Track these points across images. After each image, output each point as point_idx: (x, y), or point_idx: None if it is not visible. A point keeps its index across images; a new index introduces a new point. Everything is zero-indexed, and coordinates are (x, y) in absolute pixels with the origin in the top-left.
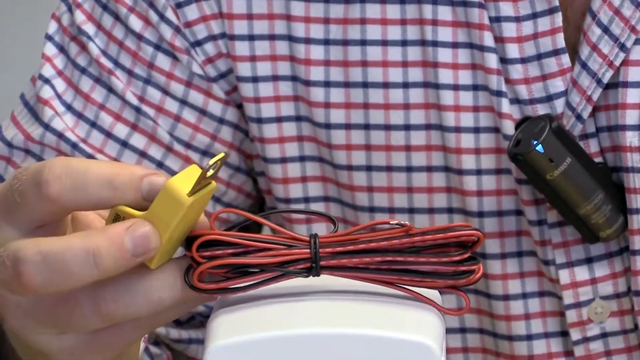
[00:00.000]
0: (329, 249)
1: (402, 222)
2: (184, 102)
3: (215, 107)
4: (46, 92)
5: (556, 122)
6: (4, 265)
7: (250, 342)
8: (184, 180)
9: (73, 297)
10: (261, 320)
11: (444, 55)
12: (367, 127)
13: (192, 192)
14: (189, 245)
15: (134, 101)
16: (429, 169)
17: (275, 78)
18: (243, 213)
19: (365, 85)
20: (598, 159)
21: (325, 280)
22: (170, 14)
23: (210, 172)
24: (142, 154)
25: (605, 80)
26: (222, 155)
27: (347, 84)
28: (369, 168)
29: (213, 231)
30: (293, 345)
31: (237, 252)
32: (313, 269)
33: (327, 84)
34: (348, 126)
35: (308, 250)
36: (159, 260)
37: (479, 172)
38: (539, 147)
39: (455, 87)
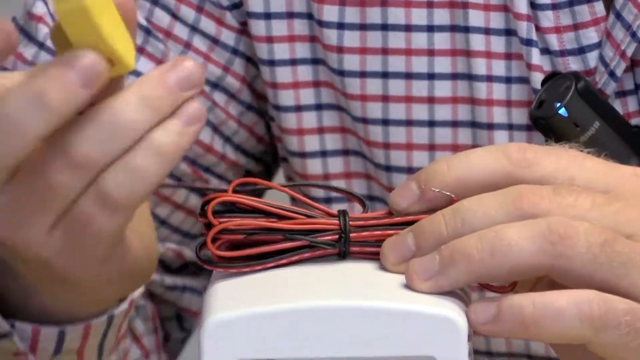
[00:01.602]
0: (360, 221)
1: None
2: (194, 28)
3: (228, 36)
4: (39, 8)
5: (583, 82)
6: None
7: (253, 316)
8: None
9: (40, 165)
10: (265, 291)
11: None
12: (385, 75)
13: None
14: (202, 208)
15: (142, 22)
16: (455, 123)
17: (290, 15)
18: (266, 183)
19: (384, 27)
20: (638, 119)
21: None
22: None
23: None
24: None
25: None
26: None
27: (363, 26)
28: (385, 122)
29: (230, 194)
30: (301, 320)
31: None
32: (342, 240)
33: (340, 26)
34: (363, 74)
35: (337, 222)
36: (123, 57)
37: (510, 126)
38: (562, 111)
39: (487, 31)
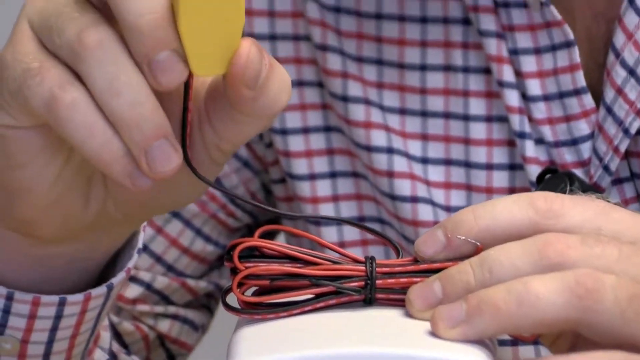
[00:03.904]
0: (386, 268)
1: None
2: None
3: None
4: None
5: (577, 183)
6: None
7: None
8: None
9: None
10: (291, 337)
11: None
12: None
13: None
14: (228, 253)
15: None
16: (448, 208)
17: (300, 83)
18: (294, 230)
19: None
20: (634, 206)
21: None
22: None
23: None
24: None
25: (634, 130)
26: None
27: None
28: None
29: (256, 239)
30: None
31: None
32: (368, 287)
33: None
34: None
35: (363, 268)
36: (199, 66)
37: None
38: None
39: (488, 119)
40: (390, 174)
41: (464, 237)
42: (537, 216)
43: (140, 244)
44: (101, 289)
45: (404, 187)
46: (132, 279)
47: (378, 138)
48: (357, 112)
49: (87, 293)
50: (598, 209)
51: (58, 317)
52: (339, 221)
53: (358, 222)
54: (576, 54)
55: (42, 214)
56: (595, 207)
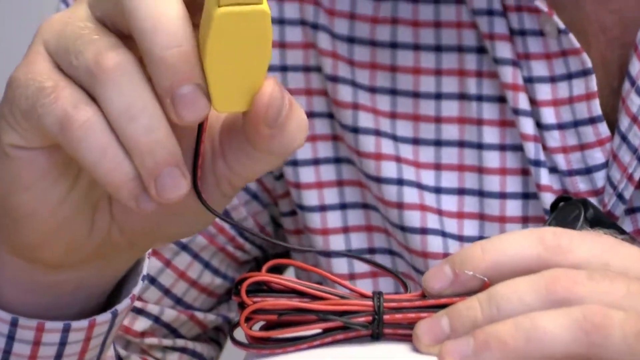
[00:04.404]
0: (394, 303)
1: None
2: None
3: None
4: None
5: (591, 210)
6: None
7: None
8: None
9: None
10: None
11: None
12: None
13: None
14: (236, 287)
15: None
16: (461, 238)
17: (310, 115)
18: (302, 265)
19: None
20: None
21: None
22: None
23: None
24: None
25: None
26: None
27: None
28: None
29: (264, 274)
30: None
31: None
32: (375, 322)
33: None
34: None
35: (371, 303)
36: (221, 102)
37: None
38: None
39: (502, 148)
40: (400, 205)
41: (471, 273)
42: (545, 252)
43: (144, 271)
44: (106, 316)
45: (413, 218)
46: (140, 312)
47: (388, 169)
48: (368, 143)
49: (91, 319)
50: (606, 244)
51: (62, 343)
52: (347, 256)
53: (368, 253)
54: (593, 82)
55: (46, 238)
56: (603, 243)
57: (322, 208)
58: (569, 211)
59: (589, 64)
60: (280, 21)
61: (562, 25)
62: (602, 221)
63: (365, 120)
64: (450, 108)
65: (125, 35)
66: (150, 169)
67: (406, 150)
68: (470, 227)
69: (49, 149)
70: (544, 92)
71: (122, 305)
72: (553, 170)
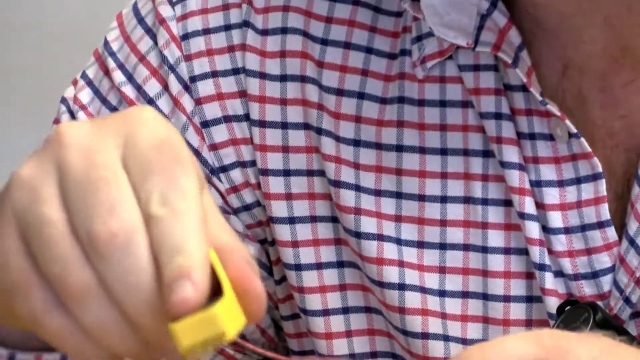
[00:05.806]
0: None
1: None
2: None
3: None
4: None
5: (600, 314)
6: None
7: None
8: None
9: None
10: None
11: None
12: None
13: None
14: None
15: None
16: (464, 341)
17: (313, 219)
18: None
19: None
20: None
21: None
22: (191, 134)
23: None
24: None
25: None
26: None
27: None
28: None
29: None
30: None
31: None
32: None
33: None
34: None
35: None
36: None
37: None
38: None
39: (507, 251)
40: (402, 310)
41: None
42: (544, 353)
43: None
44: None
45: (415, 323)
46: None
47: (390, 274)
48: (370, 248)
49: (37, 355)
50: (604, 346)
51: None
52: None
53: (371, 357)
54: (603, 187)
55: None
56: (601, 345)
57: (326, 312)
58: (577, 314)
59: (599, 168)
60: (283, 125)
61: (573, 130)
62: (611, 324)
63: (367, 225)
64: (456, 211)
65: None
66: None
67: (410, 254)
68: (474, 330)
69: None
70: (551, 196)
71: None
72: (558, 273)
